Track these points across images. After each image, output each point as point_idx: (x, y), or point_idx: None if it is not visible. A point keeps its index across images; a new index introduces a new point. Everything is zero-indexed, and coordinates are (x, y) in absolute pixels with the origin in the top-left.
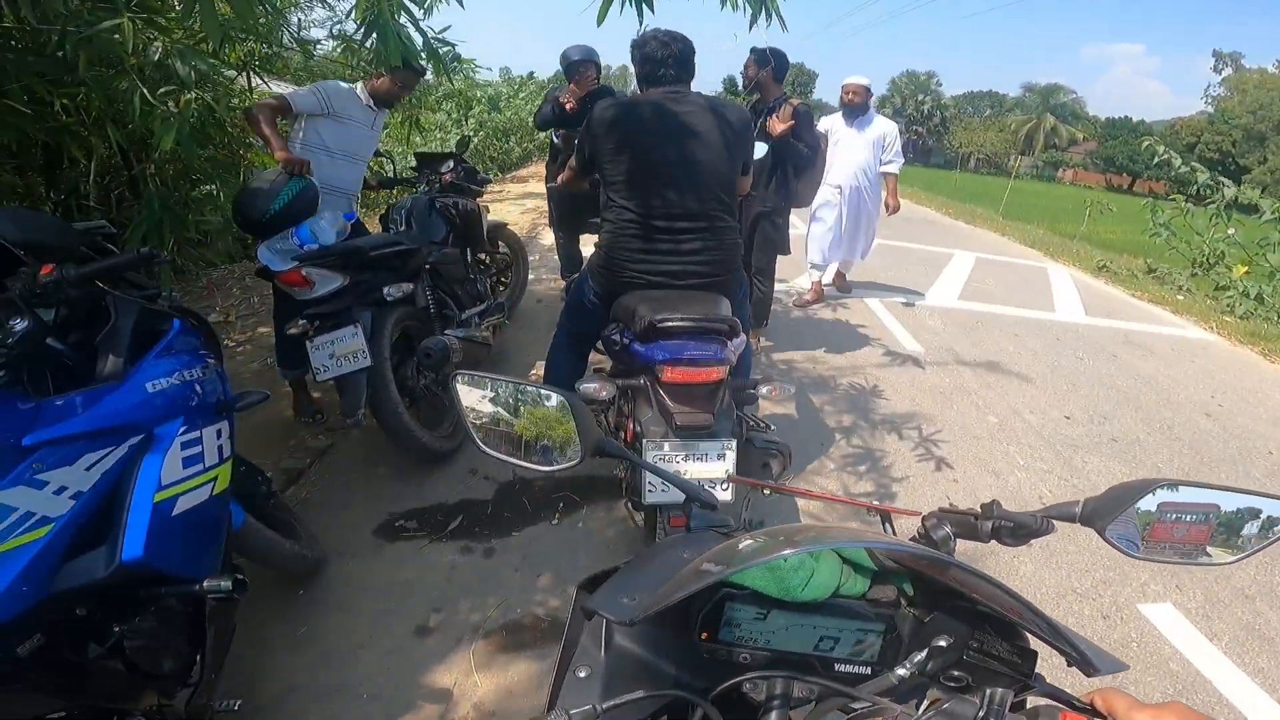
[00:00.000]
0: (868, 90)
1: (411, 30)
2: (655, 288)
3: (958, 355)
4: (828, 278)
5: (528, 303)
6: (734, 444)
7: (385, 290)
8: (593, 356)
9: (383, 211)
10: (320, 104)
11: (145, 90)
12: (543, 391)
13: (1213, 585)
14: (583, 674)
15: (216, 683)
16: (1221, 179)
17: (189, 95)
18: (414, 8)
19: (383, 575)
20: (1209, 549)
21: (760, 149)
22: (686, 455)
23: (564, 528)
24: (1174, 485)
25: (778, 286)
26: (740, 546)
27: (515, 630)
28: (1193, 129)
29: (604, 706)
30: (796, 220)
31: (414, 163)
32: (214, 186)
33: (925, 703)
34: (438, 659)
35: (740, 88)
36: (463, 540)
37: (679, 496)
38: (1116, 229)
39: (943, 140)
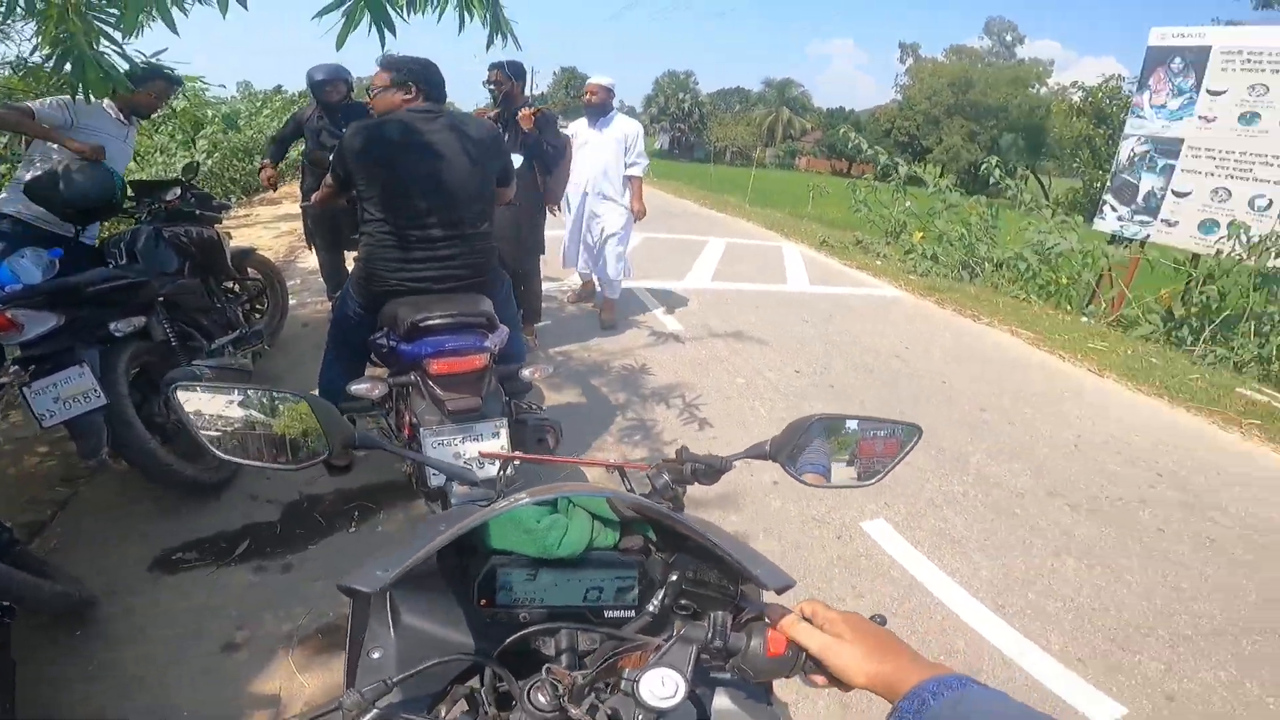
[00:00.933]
0: (609, 90)
1: (115, 57)
2: (416, 293)
3: (711, 330)
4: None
5: (293, 328)
6: (505, 423)
7: (112, 326)
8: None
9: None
10: (66, 117)
11: None
12: (277, 394)
13: (912, 498)
14: (376, 655)
15: (17, 712)
16: (897, 160)
17: None
18: (115, 34)
19: (170, 605)
20: (853, 469)
21: (516, 159)
22: (463, 437)
23: (363, 534)
24: (829, 418)
25: (552, 285)
26: (478, 508)
27: (331, 632)
28: (888, 116)
29: (395, 679)
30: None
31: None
32: None
33: (670, 636)
34: (255, 670)
35: (491, 100)
36: (254, 561)
37: (465, 475)
38: (836, 208)
39: (702, 135)
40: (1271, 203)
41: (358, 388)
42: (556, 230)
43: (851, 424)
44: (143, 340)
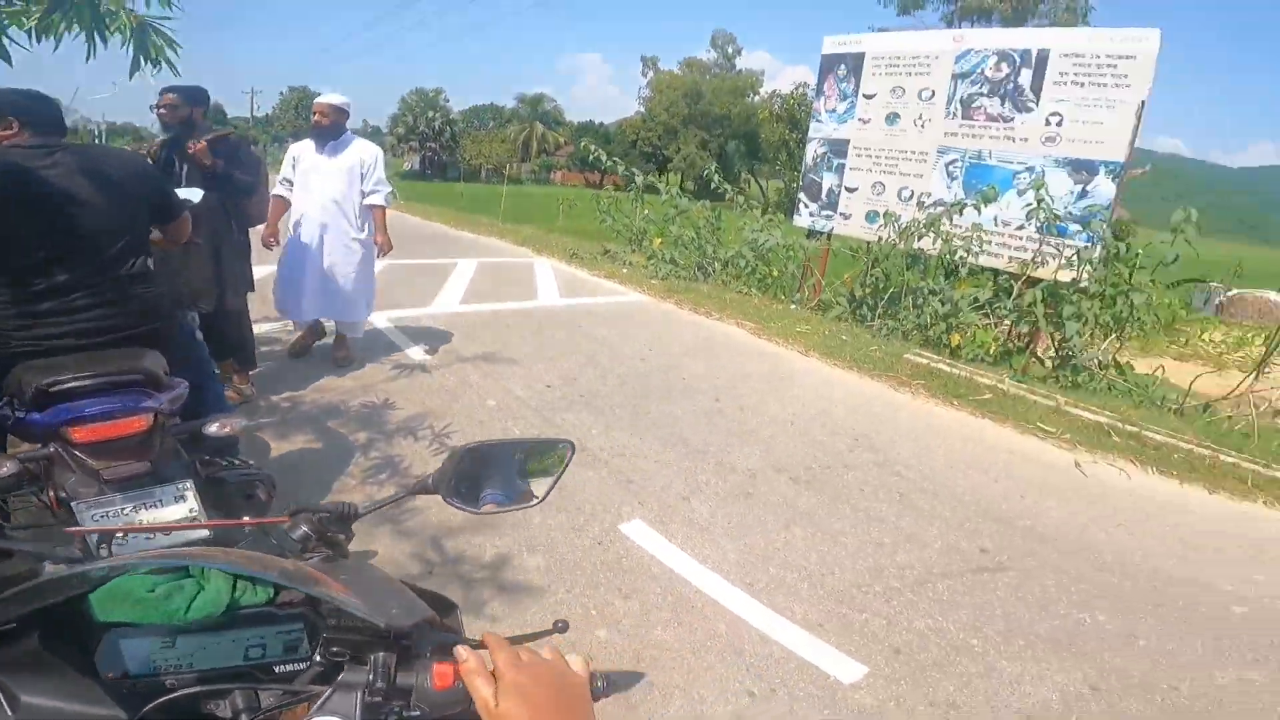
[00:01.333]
0: (341, 110)
1: None
2: (53, 353)
3: (460, 355)
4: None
5: None
6: (190, 485)
7: None
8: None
9: None
10: None
11: None
12: None
13: (662, 493)
14: None
15: None
16: (634, 170)
17: None
18: None
19: None
20: (520, 493)
21: (195, 193)
22: (136, 506)
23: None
24: (483, 444)
25: (273, 325)
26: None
27: None
28: (633, 127)
29: None
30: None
31: None
32: None
33: (333, 686)
34: None
35: (160, 128)
36: None
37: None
38: (587, 220)
39: (455, 154)
40: (914, 194)
41: None
42: (271, 266)
43: (510, 448)
44: None
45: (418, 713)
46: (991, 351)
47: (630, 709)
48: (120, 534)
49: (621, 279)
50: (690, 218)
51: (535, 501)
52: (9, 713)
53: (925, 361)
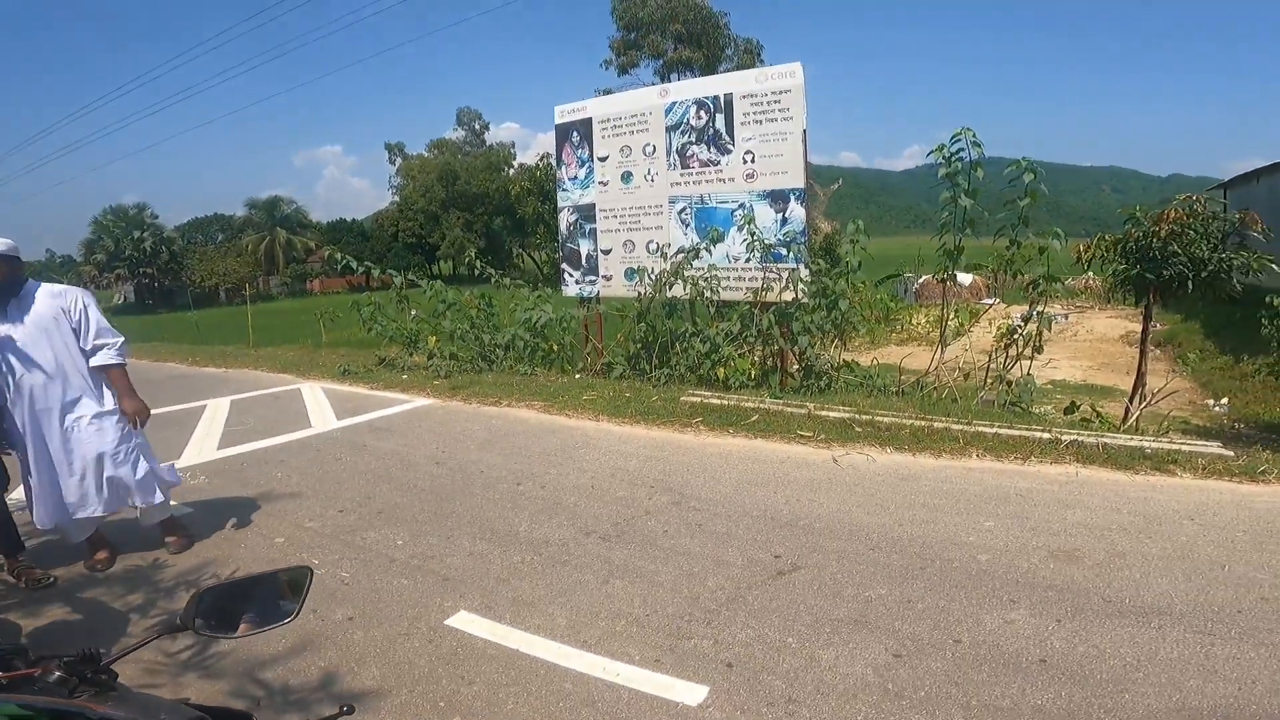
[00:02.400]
0: (10, 259)
1: None
2: None
3: (231, 501)
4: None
5: None
6: None
7: None
8: None
9: None
10: None
11: None
12: None
13: (481, 580)
14: None
15: None
16: (391, 270)
17: None
18: None
19: None
20: (270, 615)
21: None
22: None
23: None
24: (220, 585)
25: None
26: None
27: None
28: (390, 219)
29: None
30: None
31: None
32: None
33: None
34: None
35: None
36: None
37: None
38: (355, 329)
39: (181, 277)
40: (658, 246)
41: None
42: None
43: (252, 581)
44: None
45: None
46: (752, 376)
47: None
48: None
49: (403, 386)
50: (461, 309)
51: (289, 619)
52: None
53: (699, 399)
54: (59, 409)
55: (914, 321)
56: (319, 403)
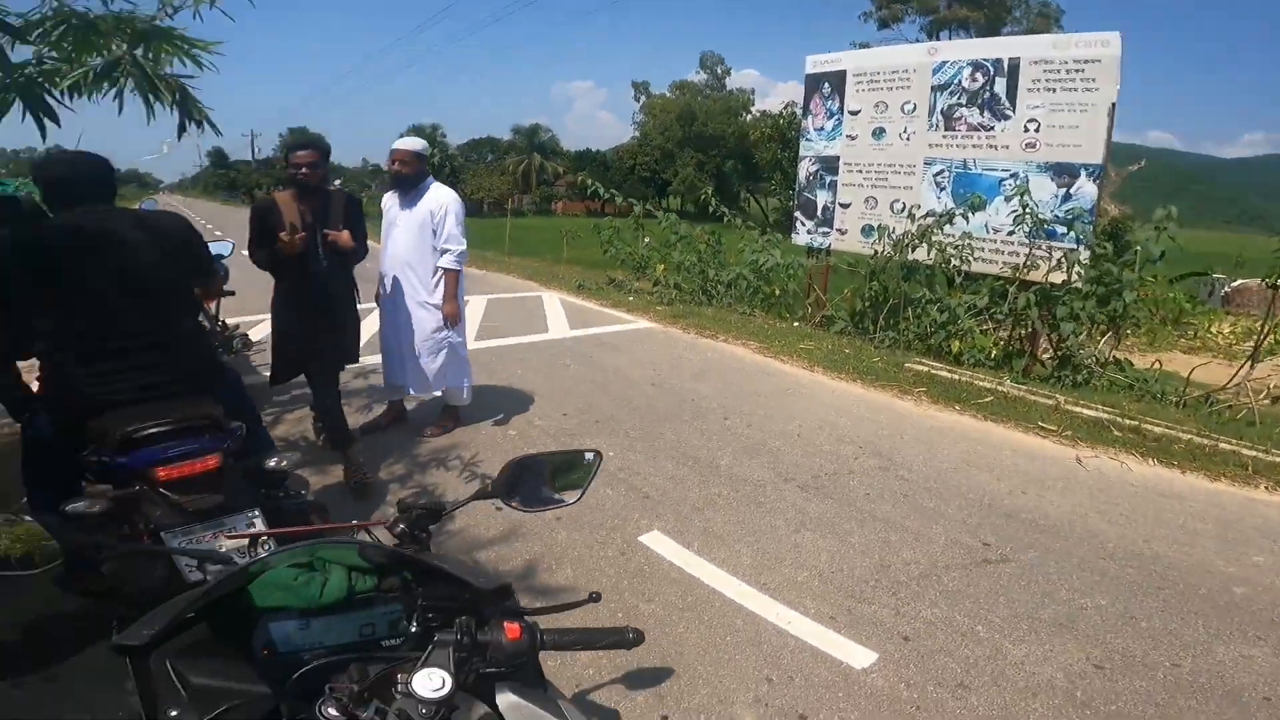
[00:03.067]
0: (420, 157)
1: None
2: (121, 404)
3: (480, 390)
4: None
5: None
6: (258, 512)
7: None
8: None
9: None
10: None
11: None
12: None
13: (677, 506)
14: (174, 712)
15: None
16: (631, 199)
17: None
18: None
19: None
20: (561, 494)
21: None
22: (214, 533)
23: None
24: (528, 457)
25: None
26: (213, 580)
27: None
28: (630, 153)
29: None
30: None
31: None
32: None
33: (431, 644)
34: None
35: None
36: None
37: (213, 555)
38: (591, 250)
39: (457, 189)
40: (905, 206)
41: (74, 507)
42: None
43: (550, 458)
44: None
45: (492, 667)
46: (992, 356)
47: (659, 697)
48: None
49: (628, 307)
50: (691, 242)
51: (574, 500)
52: (183, 694)
53: (926, 369)
54: (406, 292)
55: (1213, 330)
56: (556, 312)
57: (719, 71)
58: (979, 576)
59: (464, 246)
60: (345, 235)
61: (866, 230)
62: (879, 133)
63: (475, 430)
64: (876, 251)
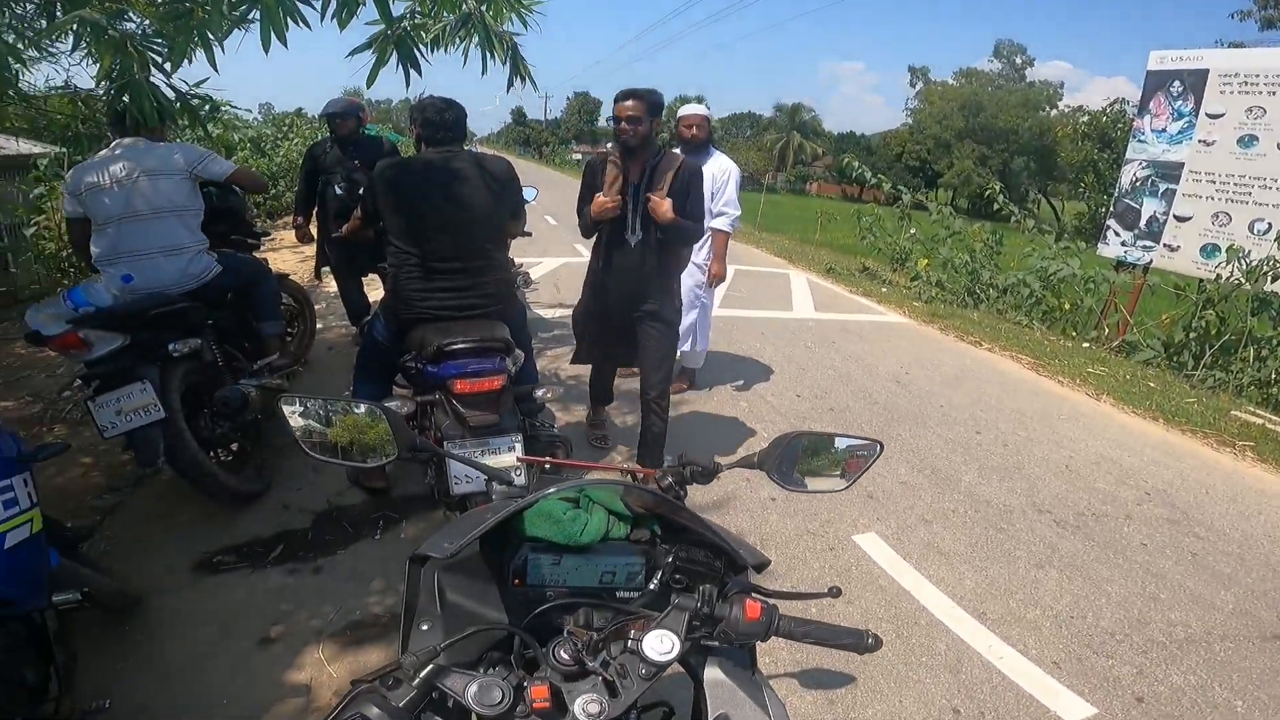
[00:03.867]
0: (708, 121)
1: (163, 86)
2: (440, 319)
3: (716, 355)
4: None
5: (318, 350)
6: (520, 438)
7: (170, 346)
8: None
9: None
10: (73, 203)
11: None
12: (356, 404)
13: (903, 514)
14: (425, 626)
15: (75, 694)
16: (901, 187)
17: None
18: (165, 65)
19: (210, 603)
20: (828, 479)
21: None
22: (482, 451)
23: (386, 541)
24: (810, 434)
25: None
26: (518, 500)
27: (358, 628)
28: (898, 140)
29: (442, 645)
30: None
31: None
32: None
33: (668, 606)
34: (288, 662)
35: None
36: (288, 564)
37: (481, 486)
38: (845, 234)
39: None
40: (1271, 226)
41: (388, 405)
42: None
43: (826, 440)
44: (193, 360)
45: (717, 640)
46: None
47: (829, 704)
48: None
49: (880, 298)
50: (964, 239)
51: (842, 488)
52: (437, 605)
53: (1260, 422)
54: (698, 248)
55: None
56: (803, 291)
57: (1018, 62)
58: (1262, 653)
59: (739, 212)
60: (665, 205)
61: (1209, 250)
62: (1248, 140)
63: (707, 396)
64: (1219, 276)
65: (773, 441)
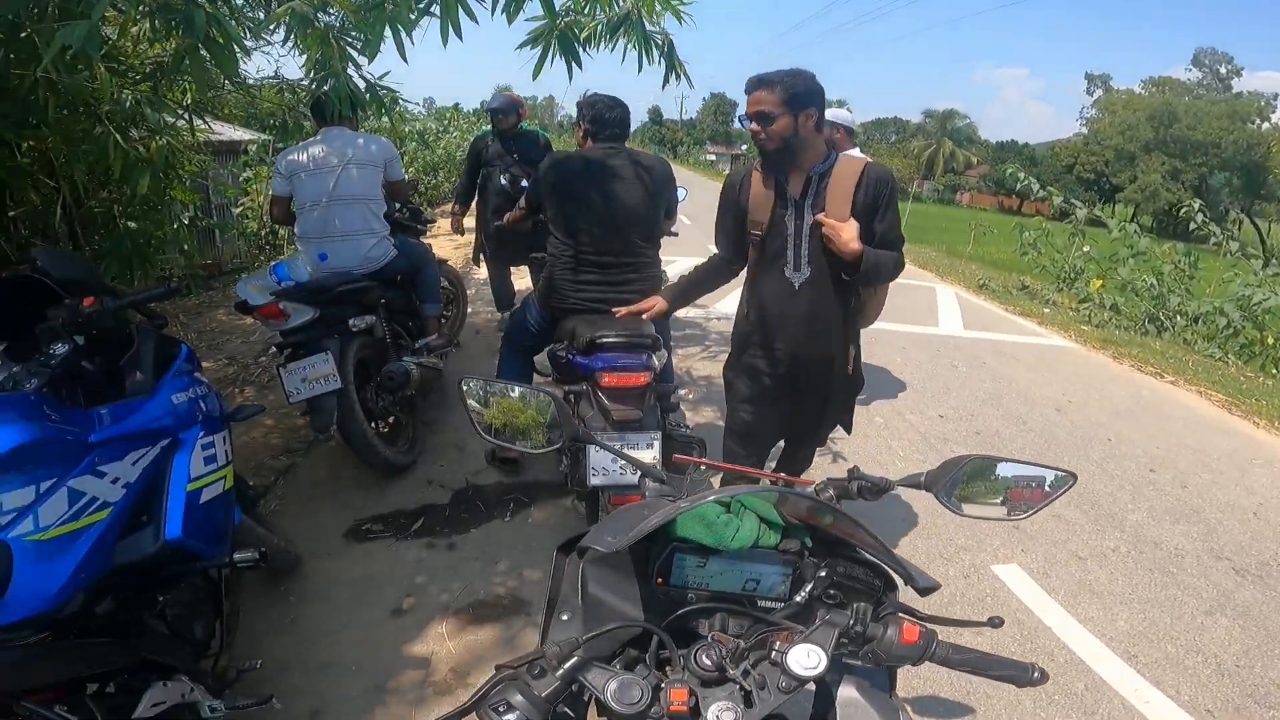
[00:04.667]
0: (831, 126)
1: (355, 78)
2: (590, 311)
3: None
4: None
5: (466, 333)
6: (659, 435)
7: (350, 322)
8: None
9: None
10: (283, 184)
11: (118, 136)
12: (529, 390)
13: (1051, 548)
14: (565, 617)
15: (232, 652)
16: (1074, 200)
17: (159, 140)
18: (360, 58)
19: (355, 570)
20: (988, 506)
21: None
22: (622, 445)
23: (515, 523)
24: (985, 458)
25: (698, 313)
26: (682, 502)
27: (479, 608)
28: (1070, 150)
29: (584, 638)
30: None
31: None
32: (178, 224)
33: (816, 620)
34: (414, 634)
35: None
36: (426, 538)
37: (618, 479)
38: (1002, 248)
39: None
40: None
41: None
42: None
43: (1005, 466)
44: (367, 336)
45: (864, 661)
46: None
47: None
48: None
49: (1041, 319)
50: (1150, 260)
51: (1020, 517)
52: (579, 597)
53: None
54: None
55: None
56: (950, 306)
57: (1223, 71)
58: None
59: None
60: (847, 230)
61: None
62: None
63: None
64: None
65: (944, 463)
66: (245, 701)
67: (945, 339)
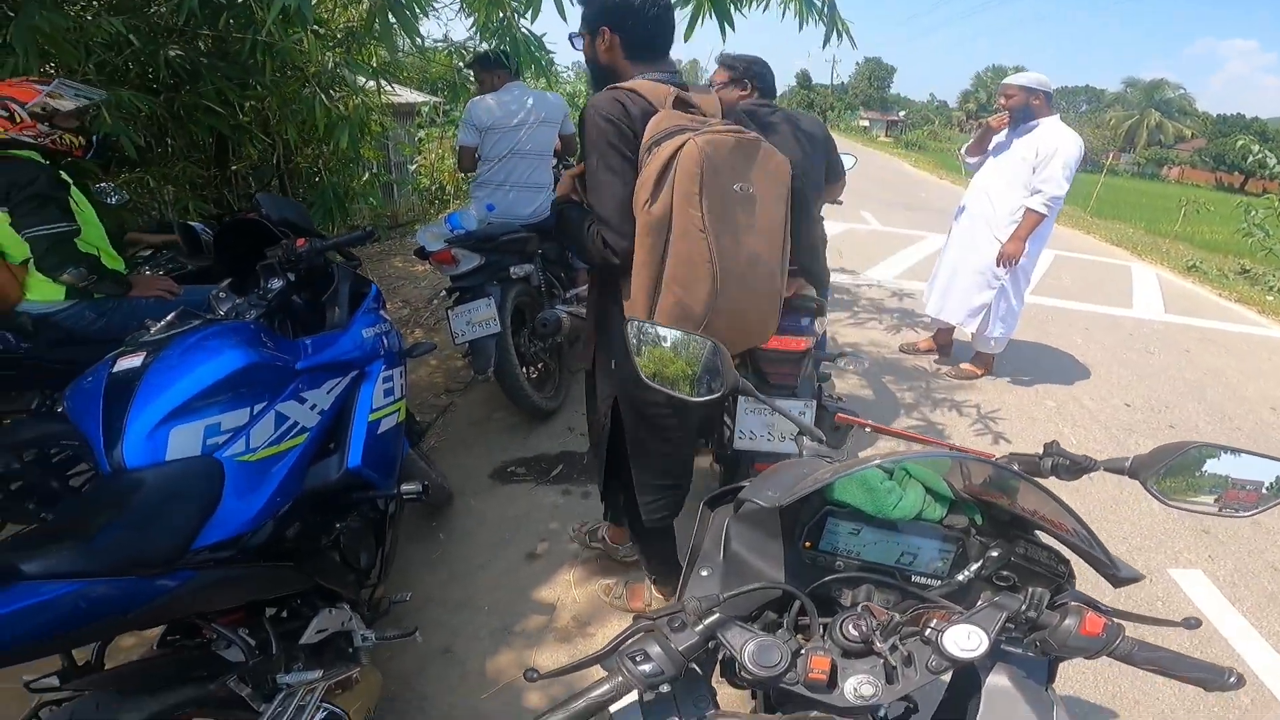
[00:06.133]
0: (1028, 91)
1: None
2: None
3: (1020, 344)
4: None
5: None
6: (813, 404)
7: (511, 269)
8: None
9: None
10: (474, 135)
11: (324, 96)
12: (696, 339)
13: (1245, 557)
14: (705, 573)
15: (387, 584)
16: None
17: (356, 100)
18: (525, 21)
19: (498, 511)
20: (1219, 505)
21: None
22: (774, 410)
23: None
24: (1207, 447)
25: (847, 278)
26: (843, 464)
27: (604, 558)
28: None
29: (724, 596)
30: None
31: None
32: (369, 175)
33: (979, 601)
34: (543, 580)
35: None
36: (563, 485)
37: (766, 446)
38: (1218, 229)
39: None
40: None
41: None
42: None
43: (1227, 459)
44: (523, 284)
45: (1020, 650)
46: None
47: None
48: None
49: (1263, 307)
50: None
51: (1242, 515)
52: (720, 554)
53: None
54: (978, 221)
55: None
56: (1149, 288)
57: None
58: None
59: (1060, 192)
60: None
61: None
62: None
63: (1003, 386)
64: None
65: (1157, 448)
66: (393, 632)
67: (1140, 322)
